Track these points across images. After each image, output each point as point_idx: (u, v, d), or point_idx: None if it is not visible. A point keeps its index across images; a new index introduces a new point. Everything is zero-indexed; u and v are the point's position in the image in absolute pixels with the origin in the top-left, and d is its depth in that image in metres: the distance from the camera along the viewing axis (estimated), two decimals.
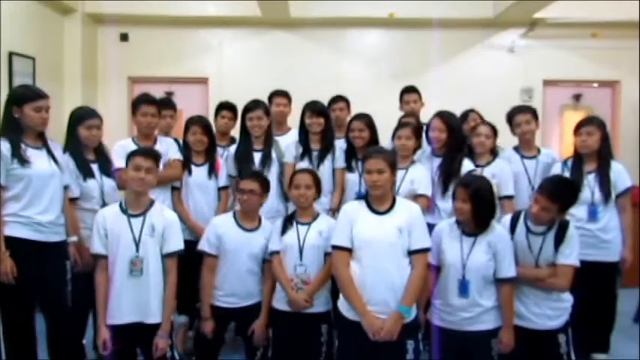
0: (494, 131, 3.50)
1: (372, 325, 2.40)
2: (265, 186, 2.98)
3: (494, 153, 3.53)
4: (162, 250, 2.66)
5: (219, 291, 2.91)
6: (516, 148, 3.64)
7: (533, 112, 3.62)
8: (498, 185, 3.36)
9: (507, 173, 3.43)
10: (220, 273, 2.92)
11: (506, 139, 3.75)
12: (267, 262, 2.93)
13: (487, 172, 3.34)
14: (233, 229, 2.92)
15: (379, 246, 2.45)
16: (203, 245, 2.94)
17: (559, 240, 2.63)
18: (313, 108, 3.55)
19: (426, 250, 2.52)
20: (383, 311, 2.43)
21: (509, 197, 3.39)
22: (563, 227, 2.65)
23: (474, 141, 3.48)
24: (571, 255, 2.63)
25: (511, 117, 3.61)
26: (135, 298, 2.59)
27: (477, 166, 3.40)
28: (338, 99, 4.04)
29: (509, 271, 2.58)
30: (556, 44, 5.96)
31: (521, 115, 3.57)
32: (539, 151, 3.65)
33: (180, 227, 2.81)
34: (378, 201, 2.53)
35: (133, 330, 2.60)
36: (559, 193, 2.58)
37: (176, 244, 2.70)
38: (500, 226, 2.68)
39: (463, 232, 2.62)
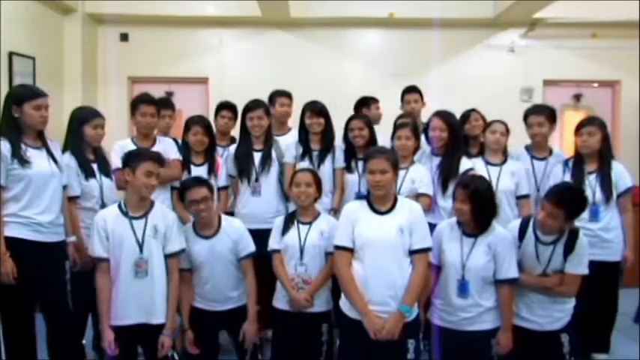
0: (507, 129, 3.47)
1: (373, 324, 2.40)
2: (211, 188, 2.88)
3: (505, 152, 3.50)
4: (165, 250, 2.66)
5: (200, 298, 2.86)
6: (528, 148, 3.62)
7: (549, 114, 3.53)
8: (517, 184, 3.36)
9: (524, 172, 3.43)
10: (199, 284, 2.86)
11: (511, 139, 3.74)
12: (242, 259, 2.86)
13: (506, 171, 3.35)
14: (195, 242, 2.83)
15: (381, 246, 2.45)
16: None
17: (569, 249, 2.61)
18: (313, 108, 3.54)
19: (427, 250, 2.52)
20: (384, 311, 2.43)
21: (527, 196, 3.39)
22: (573, 236, 2.62)
23: (488, 138, 3.44)
24: (580, 265, 2.63)
25: (526, 116, 3.58)
26: (140, 299, 2.59)
27: (491, 164, 3.39)
28: (373, 100, 4.24)
29: (508, 272, 2.57)
30: (556, 44, 5.97)
31: (534, 117, 3.53)
32: (551, 152, 3.60)
33: (181, 227, 2.82)
34: (380, 201, 2.53)
35: (136, 330, 2.60)
36: (565, 199, 2.54)
37: (178, 244, 2.71)
38: (500, 227, 2.66)
39: (464, 232, 2.62)
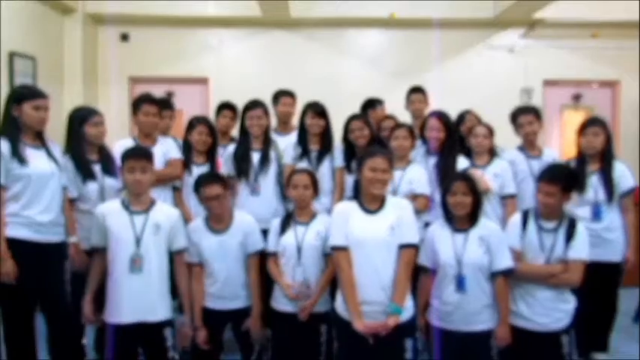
0: (491, 131, 3.49)
1: (361, 328, 2.38)
2: (226, 184, 2.93)
3: (491, 153, 3.52)
4: (172, 247, 2.69)
5: (209, 295, 2.88)
6: (521, 148, 3.63)
7: (536, 113, 3.60)
8: (501, 185, 3.37)
9: (509, 172, 3.43)
10: (209, 280, 2.87)
11: (507, 139, 3.74)
12: (251, 255, 2.90)
13: (489, 172, 3.34)
14: (206, 236, 2.86)
15: (372, 245, 2.44)
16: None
17: (569, 236, 2.65)
18: (314, 109, 3.55)
19: (412, 246, 2.49)
20: (377, 310, 2.42)
21: (513, 196, 3.40)
22: (573, 224, 2.68)
23: (472, 142, 3.47)
24: (582, 250, 2.66)
25: (514, 118, 3.61)
26: (136, 296, 2.58)
27: (476, 166, 3.40)
28: (379, 102, 4.25)
29: (502, 263, 2.58)
30: (556, 44, 5.97)
31: (523, 117, 3.56)
32: (541, 150, 3.62)
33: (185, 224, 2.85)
34: (372, 200, 2.51)
35: (135, 330, 2.60)
36: (557, 174, 2.67)
37: (184, 241, 2.75)
38: (489, 220, 2.72)
39: (454, 229, 2.64)
